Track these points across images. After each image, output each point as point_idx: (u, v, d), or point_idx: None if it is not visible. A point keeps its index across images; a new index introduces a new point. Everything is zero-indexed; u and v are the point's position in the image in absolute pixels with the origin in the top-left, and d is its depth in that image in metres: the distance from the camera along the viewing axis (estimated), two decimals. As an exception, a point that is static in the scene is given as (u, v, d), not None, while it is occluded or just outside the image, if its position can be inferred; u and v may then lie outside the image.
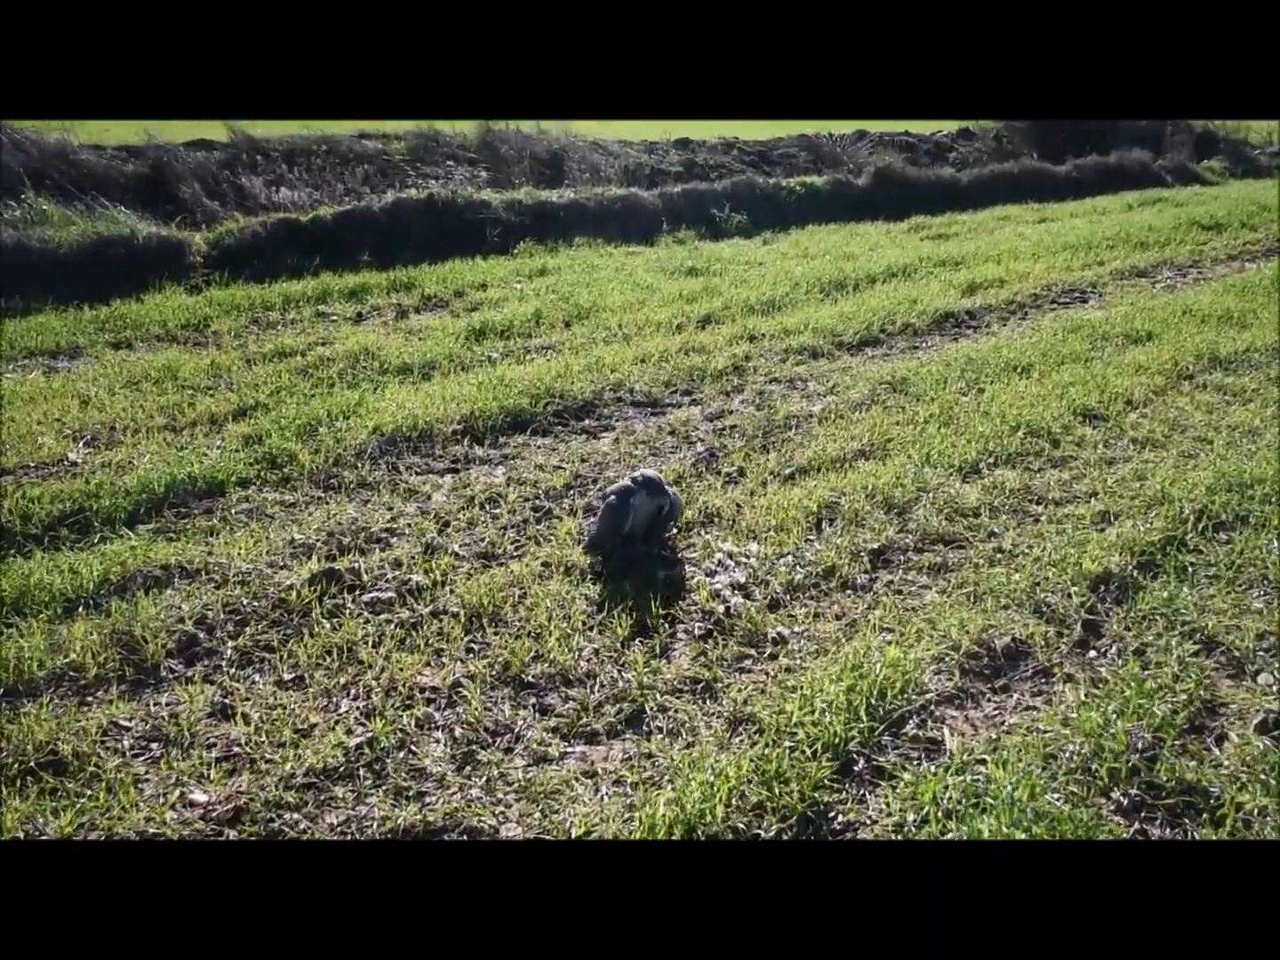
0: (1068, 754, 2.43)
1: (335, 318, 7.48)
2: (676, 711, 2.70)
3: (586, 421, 5.15)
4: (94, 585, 3.27)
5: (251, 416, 5.08)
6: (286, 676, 2.90)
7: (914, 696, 2.69)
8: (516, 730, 2.64)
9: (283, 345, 6.50)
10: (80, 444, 4.71)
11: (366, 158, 11.63)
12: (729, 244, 10.75)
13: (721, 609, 3.18)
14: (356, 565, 3.46)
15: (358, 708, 2.74)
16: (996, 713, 2.68)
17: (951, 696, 2.74)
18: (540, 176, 12.10)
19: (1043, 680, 2.81)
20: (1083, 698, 2.66)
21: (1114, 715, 2.54)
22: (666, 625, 3.12)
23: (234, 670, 2.91)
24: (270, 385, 5.58)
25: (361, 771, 2.47)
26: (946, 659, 2.88)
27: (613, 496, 3.50)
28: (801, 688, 2.71)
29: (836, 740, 2.49)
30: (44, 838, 2.24)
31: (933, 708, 2.68)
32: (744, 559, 3.50)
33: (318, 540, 3.71)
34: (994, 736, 2.56)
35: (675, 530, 3.74)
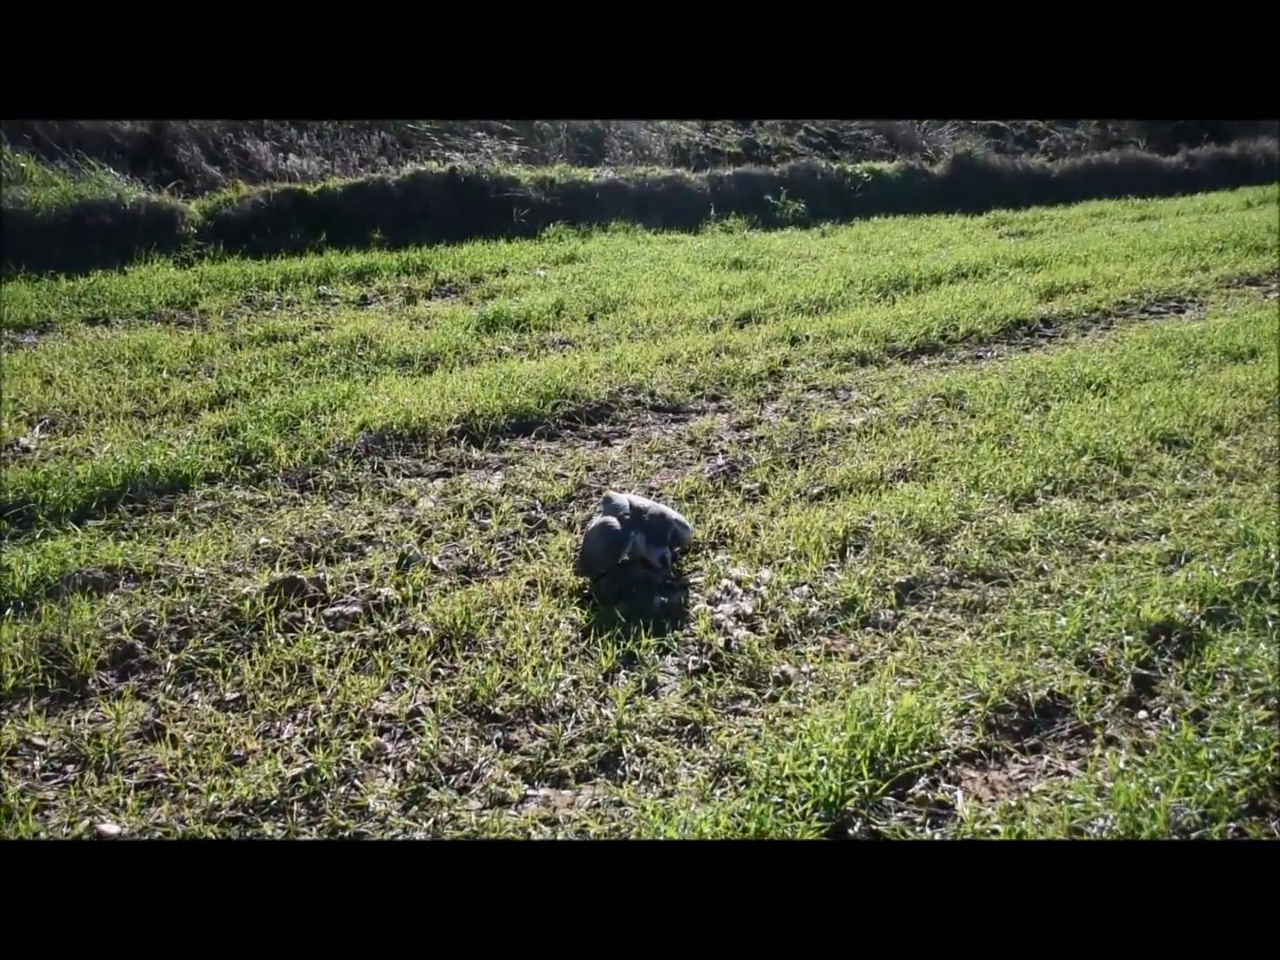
0: (1096, 829, 2.36)
1: (337, 300, 7.55)
2: (656, 755, 2.66)
3: (599, 426, 5.14)
4: (27, 585, 3.30)
5: (230, 406, 5.14)
6: (228, 696, 2.90)
7: (927, 753, 2.63)
8: (475, 768, 2.62)
9: (274, 328, 6.57)
10: (36, 428, 4.78)
11: (386, 125, 11.74)
12: (782, 235, 10.73)
13: (721, 642, 3.14)
14: (322, 575, 3.47)
15: (302, 734, 2.73)
16: (1022, 776, 2.61)
17: (972, 755, 2.68)
18: (579, 153, 12.15)
19: (1080, 741, 2.74)
20: (1123, 765, 2.59)
21: (1157, 788, 2.47)
22: (657, 657, 3.09)
23: (171, 686, 2.93)
24: (254, 372, 5.63)
25: (295, 806, 2.46)
26: (970, 711, 2.82)
27: (613, 520, 3.47)
28: (800, 735, 2.66)
29: (831, 798, 2.44)
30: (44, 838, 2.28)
31: (948, 766, 2.62)
32: (754, 587, 3.46)
33: (284, 545, 3.73)
34: (1014, 804, 2.49)
35: (680, 553, 3.71)
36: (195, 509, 4.03)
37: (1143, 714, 2.84)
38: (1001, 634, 3.20)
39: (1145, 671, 2.99)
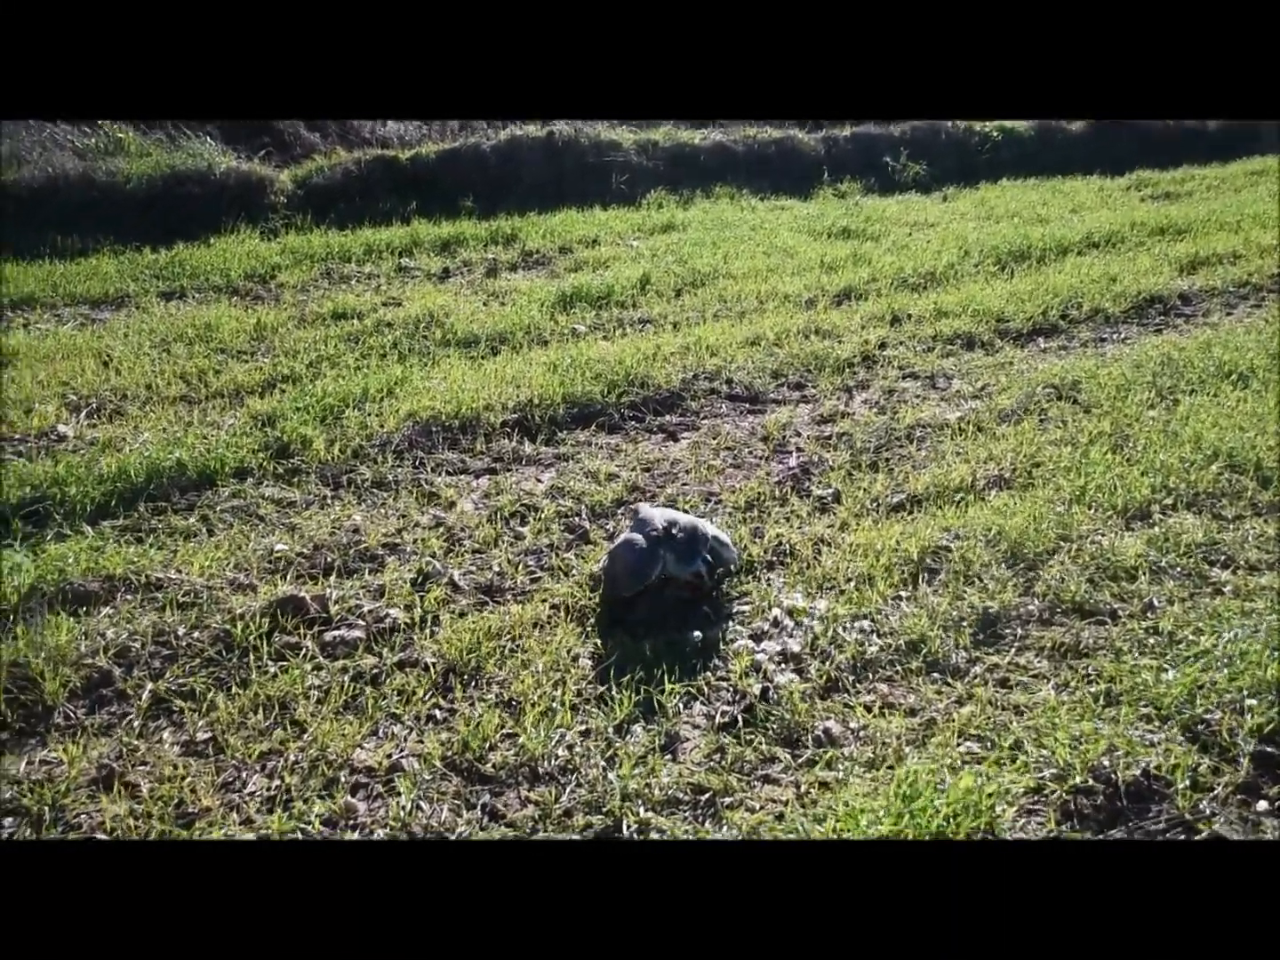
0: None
1: (418, 273, 7.32)
2: (660, 836, 2.29)
3: (667, 417, 4.76)
4: (18, 597, 3.09)
5: (279, 390, 4.90)
6: (200, 737, 2.63)
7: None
8: (451, 840, 2.29)
9: (344, 305, 6.35)
10: (80, 414, 4.62)
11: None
12: (899, 199, 10.11)
13: (758, 689, 2.74)
14: (328, 593, 3.18)
15: (266, 789, 2.44)
16: (1100, 884, 2.16)
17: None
18: (686, 113, 11.67)
19: (1180, 838, 2.26)
20: (1229, 875, 2.11)
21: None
22: (682, 706, 2.71)
23: (140, 723, 2.67)
24: (312, 353, 5.41)
25: (236, 883, 2.16)
26: (1043, 793, 2.37)
27: (639, 537, 3.10)
28: (831, 817, 2.26)
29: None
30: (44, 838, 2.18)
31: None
32: (807, 620, 3.05)
33: (301, 553, 3.46)
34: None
35: (722, 575, 3.31)
36: (218, 508, 3.79)
37: (1263, 805, 2.34)
38: (1094, 688, 2.73)
39: (1270, 749, 2.48)
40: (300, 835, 2.29)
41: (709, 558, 3.14)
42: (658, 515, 3.19)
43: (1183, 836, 2.26)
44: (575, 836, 2.29)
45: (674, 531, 3.10)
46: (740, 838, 2.26)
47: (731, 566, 3.32)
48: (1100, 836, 2.27)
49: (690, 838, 2.14)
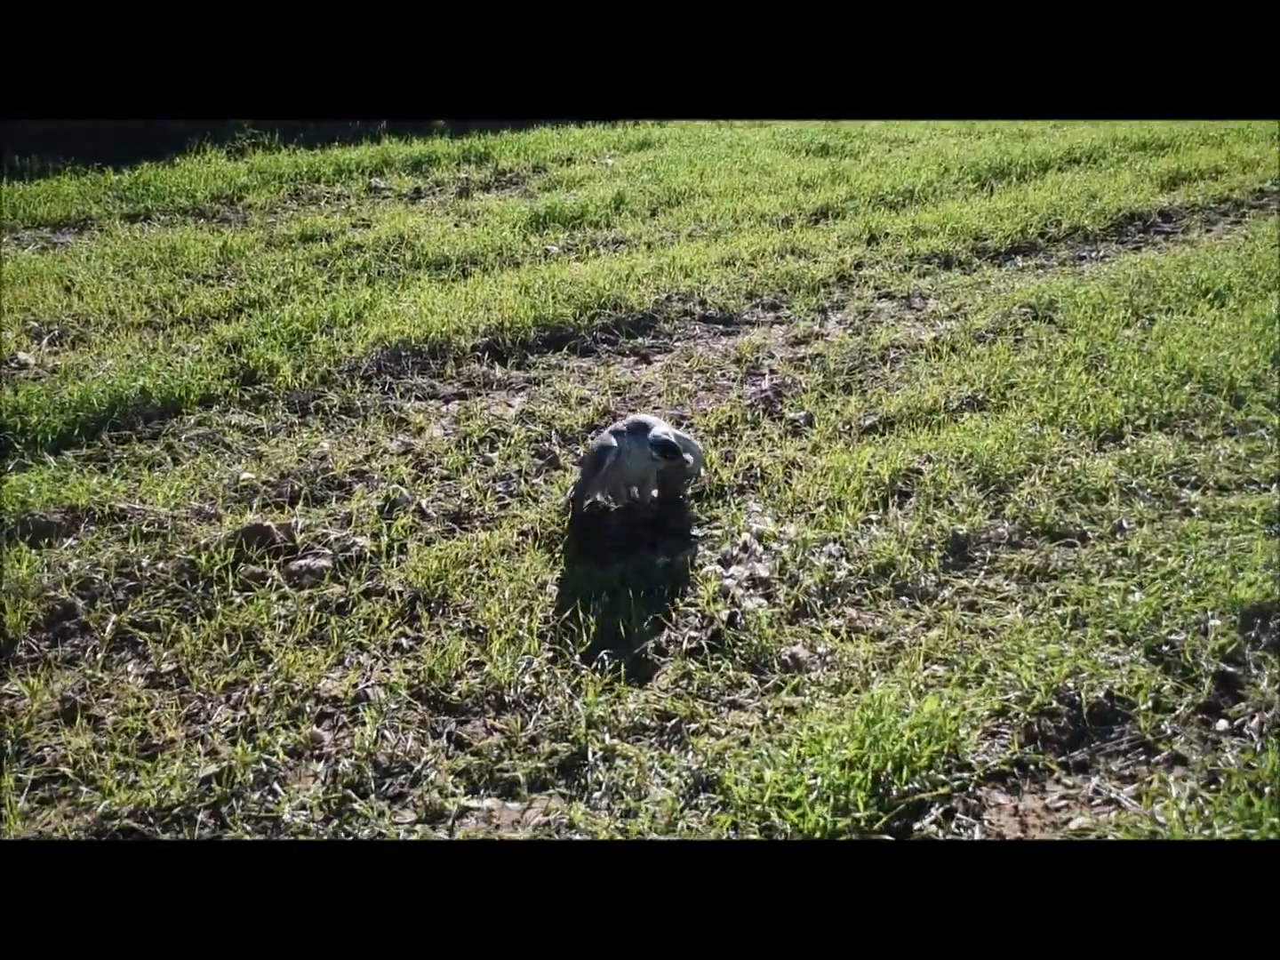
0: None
1: (388, 194, 7.19)
2: (626, 761, 2.29)
3: (640, 340, 4.70)
4: (-22, 529, 3.05)
5: (246, 315, 4.81)
6: (165, 668, 2.62)
7: (945, 774, 2.20)
8: (416, 770, 2.29)
9: (313, 226, 6.22)
10: (42, 342, 4.53)
11: None
12: (879, 114, 9.91)
13: (725, 614, 2.73)
14: (294, 522, 3.14)
15: (231, 720, 2.43)
16: (1060, 805, 2.17)
17: (1002, 774, 2.24)
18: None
19: (1140, 758, 2.28)
20: (1186, 795, 2.13)
21: (1227, 834, 2.01)
22: (648, 633, 2.70)
23: (103, 655, 2.64)
24: (280, 277, 5.31)
25: (201, 815, 2.16)
26: (1009, 714, 2.38)
27: (605, 435, 3.10)
28: (796, 743, 2.26)
29: (819, 834, 2.04)
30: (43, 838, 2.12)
31: (970, 791, 2.19)
32: (776, 544, 3.03)
33: (267, 482, 3.41)
34: (1049, 841, 2.06)
35: (693, 492, 3.29)
36: (184, 437, 3.74)
37: (1222, 724, 2.36)
38: (1061, 610, 2.73)
39: (1231, 668, 2.49)
40: (265, 766, 2.27)
41: (665, 435, 3.09)
42: (619, 422, 3.19)
43: (1144, 757, 2.27)
44: (541, 764, 2.28)
45: (628, 425, 3.10)
46: (700, 766, 2.26)
47: (701, 471, 3.30)
48: (1064, 758, 2.28)
49: (681, 838, 2.08)
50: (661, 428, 3.10)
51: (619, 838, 2.08)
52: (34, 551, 2.98)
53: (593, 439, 3.39)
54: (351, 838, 2.10)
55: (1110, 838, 2.04)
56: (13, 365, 4.28)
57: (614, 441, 3.05)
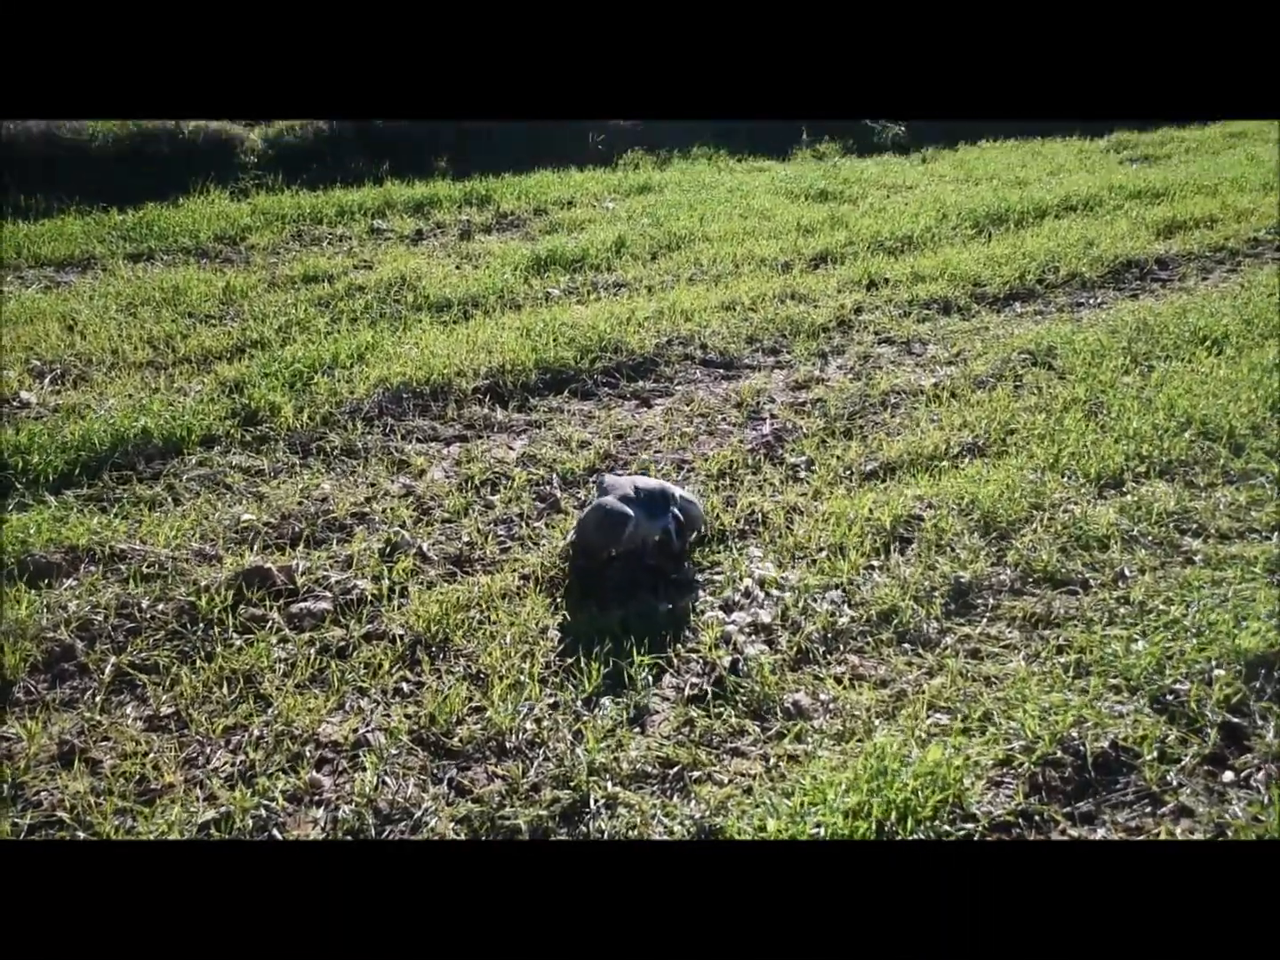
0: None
1: (390, 235, 7.22)
2: (629, 809, 2.27)
3: (640, 383, 4.72)
4: (-22, 569, 3.04)
5: (247, 356, 4.82)
6: (164, 711, 2.60)
7: (949, 824, 2.19)
8: (416, 817, 2.27)
9: (315, 267, 6.25)
10: (44, 381, 4.54)
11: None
12: (877, 161, 10.04)
13: (727, 661, 2.73)
14: (295, 564, 3.14)
15: (231, 764, 2.41)
16: (1066, 857, 2.16)
17: (1007, 825, 2.23)
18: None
19: (1146, 810, 2.27)
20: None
21: (1234, 884, 1.99)
22: (651, 679, 2.69)
23: (102, 698, 2.63)
24: (281, 317, 5.33)
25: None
26: (1012, 765, 2.36)
27: (610, 499, 3.08)
28: (799, 793, 2.25)
29: (822, 885, 2.02)
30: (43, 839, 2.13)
31: (975, 843, 2.18)
32: (778, 590, 3.03)
33: (268, 524, 3.41)
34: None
35: (695, 541, 3.30)
36: (185, 477, 3.74)
37: (1228, 776, 2.35)
38: (1064, 658, 2.72)
39: (1236, 719, 2.48)
40: (264, 812, 2.26)
41: (679, 515, 3.11)
42: (624, 481, 3.17)
43: (1149, 809, 2.26)
44: (543, 812, 2.27)
45: (641, 493, 3.07)
46: (702, 815, 2.25)
47: (701, 528, 3.30)
48: (1069, 808, 2.27)
49: (683, 840, 2.10)
50: (678, 492, 3.14)
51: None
52: (33, 592, 2.97)
53: (595, 489, 3.37)
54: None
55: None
56: (15, 404, 4.28)
57: (629, 511, 3.04)
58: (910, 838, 2.13)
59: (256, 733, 2.51)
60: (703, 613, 2.96)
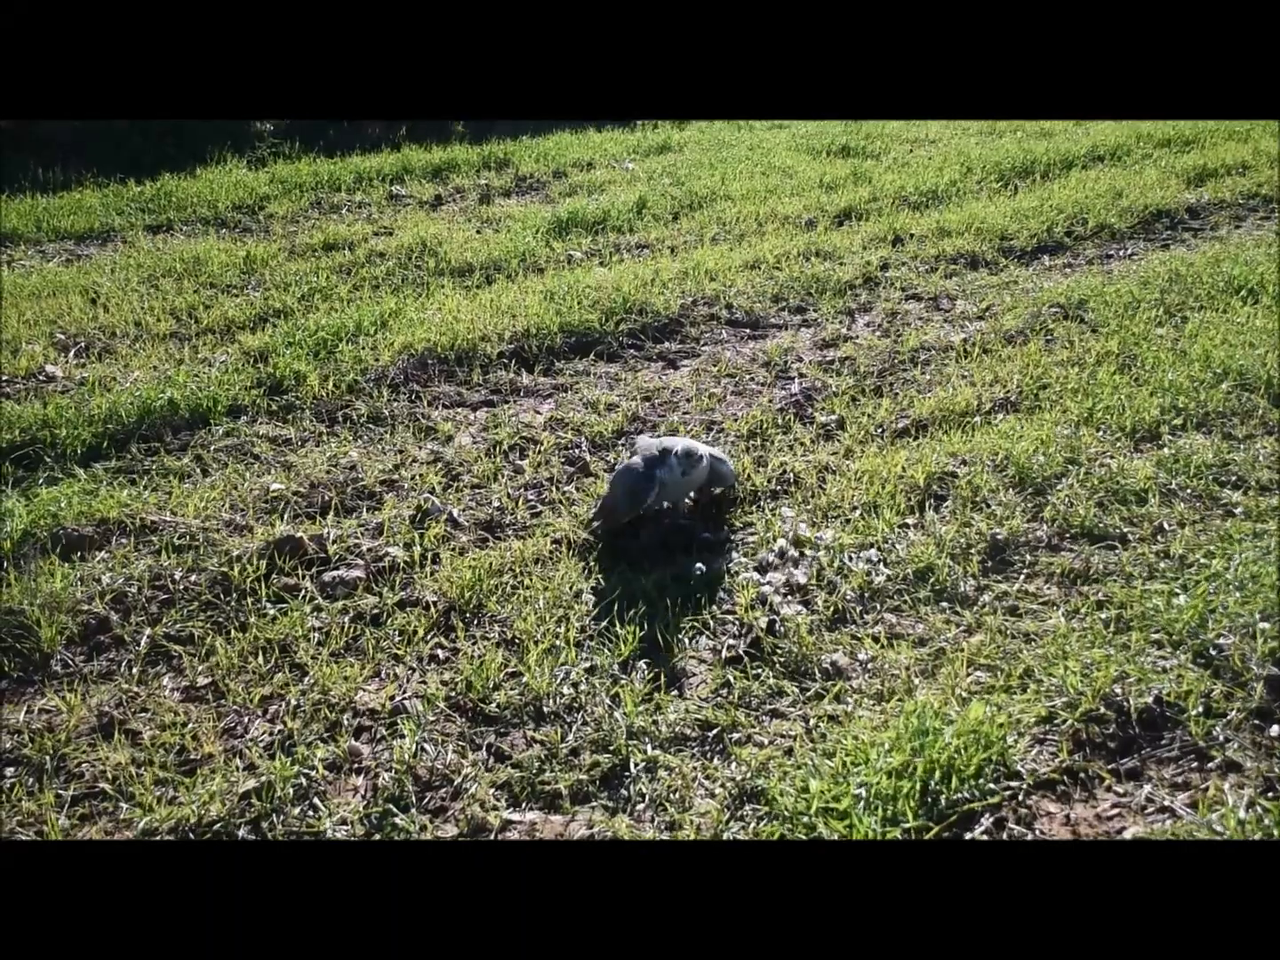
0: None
1: (409, 201, 7.18)
2: (669, 772, 2.27)
3: (667, 344, 4.67)
4: (12, 545, 3.04)
5: (271, 325, 4.81)
6: (200, 682, 2.60)
7: (994, 783, 2.17)
8: (457, 783, 2.27)
9: (335, 235, 6.23)
10: (69, 354, 4.54)
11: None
12: (899, 114, 9.87)
13: (764, 623, 2.70)
14: (326, 533, 3.13)
15: (269, 733, 2.41)
16: (1113, 814, 2.13)
17: (1051, 783, 2.21)
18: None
19: (1192, 765, 2.24)
20: (1244, 803, 2.09)
21: (1285, 838, 1.97)
22: (687, 641, 2.68)
23: (139, 670, 2.63)
24: (303, 286, 5.31)
25: (242, 831, 2.14)
26: (1054, 722, 2.34)
27: (637, 460, 3.06)
28: (841, 753, 2.23)
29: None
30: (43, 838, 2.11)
31: (1020, 800, 2.16)
32: (812, 550, 3.00)
33: (297, 493, 3.40)
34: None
35: (729, 499, 3.27)
36: (212, 448, 3.73)
37: (1275, 730, 2.31)
38: (1104, 614, 2.69)
39: (1282, 673, 2.45)
40: (305, 780, 2.26)
41: (710, 481, 3.09)
42: (653, 442, 3.14)
43: (1196, 764, 2.23)
44: (583, 776, 2.26)
45: (669, 454, 3.04)
46: (744, 777, 2.23)
47: (734, 485, 3.28)
48: (1114, 765, 2.24)
49: (679, 840, 2.07)
50: (706, 450, 3.10)
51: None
52: (66, 565, 2.97)
53: (625, 453, 3.35)
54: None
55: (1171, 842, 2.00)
56: (40, 378, 4.28)
57: (652, 473, 3.01)
58: (955, 796, 2.11)
59: (294, 702, 2.51)
60: (737, 574, 2.93)
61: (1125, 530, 3.04)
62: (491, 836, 2.13)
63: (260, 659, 2.65)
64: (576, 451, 3.70)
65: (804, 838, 2.05)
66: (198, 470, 3.60)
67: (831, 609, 2.77)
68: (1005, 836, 2.07)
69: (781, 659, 2.60)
